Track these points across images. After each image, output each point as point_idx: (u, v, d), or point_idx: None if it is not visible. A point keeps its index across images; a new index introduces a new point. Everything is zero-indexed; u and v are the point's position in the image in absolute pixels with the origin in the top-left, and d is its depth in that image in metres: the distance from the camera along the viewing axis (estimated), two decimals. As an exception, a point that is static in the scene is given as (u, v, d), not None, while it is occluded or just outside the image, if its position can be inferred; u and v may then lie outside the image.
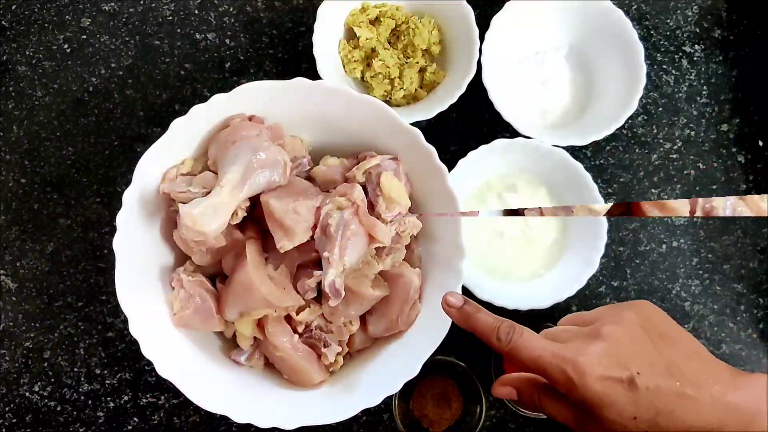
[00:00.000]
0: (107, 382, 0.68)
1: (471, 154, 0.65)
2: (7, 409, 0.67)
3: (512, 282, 0.68)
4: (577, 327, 0.48)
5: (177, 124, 0.56)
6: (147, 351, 0.55)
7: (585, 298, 0.69)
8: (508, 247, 0.68)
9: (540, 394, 0.48)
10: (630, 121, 0.71)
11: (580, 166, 0.66)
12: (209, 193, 0.56)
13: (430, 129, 0.71)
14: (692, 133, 0.73)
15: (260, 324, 0.59)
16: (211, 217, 0.54)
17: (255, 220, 0.60)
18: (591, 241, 0.66)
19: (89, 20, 0.73)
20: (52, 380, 0.68)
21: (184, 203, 0.55)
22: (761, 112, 0.73)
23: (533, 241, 0.68)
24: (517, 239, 0.68)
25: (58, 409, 0.67)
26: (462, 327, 0.51)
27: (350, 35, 0.71)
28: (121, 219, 0.56)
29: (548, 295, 0.65)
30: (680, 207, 0.43)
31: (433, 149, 0.58)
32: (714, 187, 0.72)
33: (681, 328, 0.47)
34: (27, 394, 0.68)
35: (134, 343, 0.66)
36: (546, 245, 0.68)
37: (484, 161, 0.66)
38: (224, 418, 0.57)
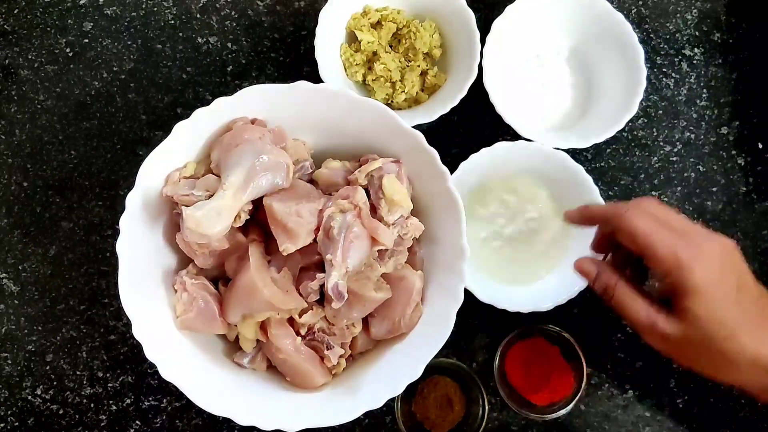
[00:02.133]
0: (109, 385, 0.68)
1: (472, 157, 0.66)
2: (9, 412, 0.67)
3: (513, 284, 0.68)
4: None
5: (180, 127, 0.57)
6: (150, 354, 0.55)
7: (586, 300, 0.70)
8: (508, 249, 0.68)
9: (618, 281, 0.51)
10: (630, 123, 0.71)
11: (581, 168, 0.66)
12: (212, 196, 0.56)
13: (431, 132, 0.71)
14: (692, 135, 0.73)
15: (263, 326, 0.59)
16: (214, 219, 0.54)
17: (258, 223, 0.60)
18: None
19: (91, 24, 0.73)
20: (55, 383, 0.68)
21: (187, 206, 0.55)
22: (761, 114, 0.74)
23: (533, 244, 0.68)
24: (518, 241, 0.68)
25: (61, 412, 0.67)
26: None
27: (352, 39, 0.71)
28: (124, 222, 0.56)
29: (549, 297, 0.66)
30: None
31: (435, 152, 0.58)
32: (714, 189, 0.73)
33: None
34: (29, 397, 0.68)
35: (136, 347, 0.66)
36: (546, 247, 0.68)
37: (485, 164, 0.66)
38: (227, 421, 0.57)
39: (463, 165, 0.65)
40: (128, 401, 0.68)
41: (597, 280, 0.54)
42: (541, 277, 0.68)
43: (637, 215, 0.49)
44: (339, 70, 0.70)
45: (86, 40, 0.73)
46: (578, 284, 0.65)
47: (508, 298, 0.65)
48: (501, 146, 0.66)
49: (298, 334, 0.59)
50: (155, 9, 0.74)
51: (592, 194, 0.66)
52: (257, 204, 0.58)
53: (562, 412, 0.65)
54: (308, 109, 0.60)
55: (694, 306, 0.47)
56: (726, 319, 0.47)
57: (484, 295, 0.64)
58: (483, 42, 0.67)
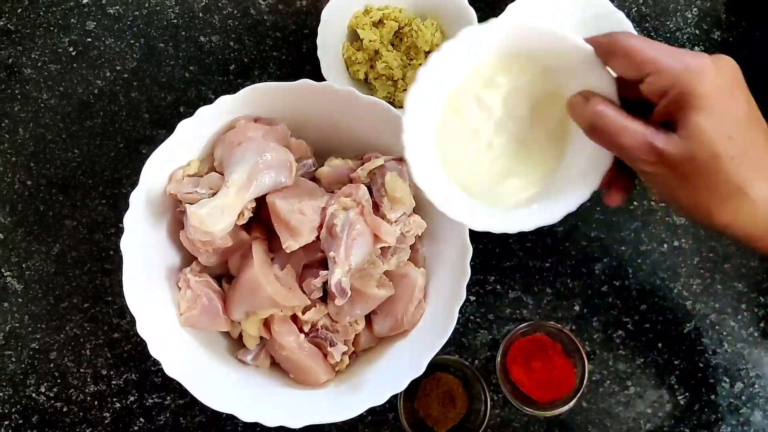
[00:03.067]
0: (113, 382, 0.68)
1: (433, 57, 0.48)
2: (13, 410, 0.68)
3: (510, 201, 0.53)
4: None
5: (183, 125, 0.57)
6: (154, 351, 0.56)
7: (588, 298, 0.70)
8: (502, 160, 0.52)
9: (608, 103, 0.45)
10: (631, 121, 0.71)
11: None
12: (216, 194, 0.56)
13: (433, 130, 0.71)
14: (693, 133, 0.74)
15: (266, 324, 0.59)
16: (218, 217, 0.55)
17: (261, 220, 0.60)
18: None
19: (94, 23, 0.74)
20: (59, 381, 0.68)
21: (191, 204, 0.56)
22: (761, 113, 0.74)
23: (531, 145, 0.52)
24: (512, 146, 0.52)
25: (65, 409, 0.68)
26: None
27: (354, 37, 0.71)
28: (128, 220, 0.56)
29: (557, 205, 0.50)
30: None
31: (437, 150, 0.58)
32: (714, 187, 0.73)
33: None
34: (33, 395, 0.68)
35: (140, 344, 0.67)
36: (545, 144, 0.52)
37: (452, 63, 0.49)
38: (230, 418, 0.57)
39: (421, 72, 0.48)
40: (132, 399, 0.68)
41: (585, 106, 0.45)
42: (543, 183, 0.52)
43: (632, 35, 0.44)
44: (341, 69, 0.70)
45: (89, 39, 0.73)
46: (589, 186, 0.50)
47: (506, 220, 0.51)
48: (468, 33, 0.48)
49: (301, 331, 0.60)
50: (158, 8, 0.74)
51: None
52: (260, 202, 0.59)
53: (564, 408, 0.65)
54: (311, 107, 0.60)
55: (701, 118, 0.41)
56: (736, 136, 0.41)
57: (474, 223, 0.51)
58: (484, 40, 0.68)
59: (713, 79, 0.41)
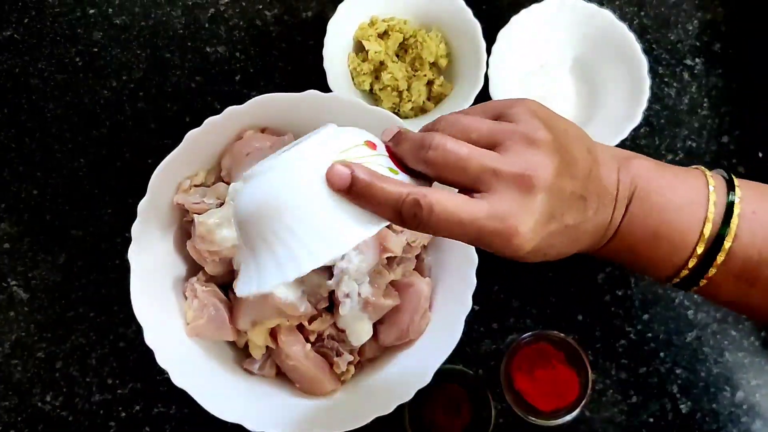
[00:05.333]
0: (119, 392, 0.68)
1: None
2: (19, 419, 0.68)
3: None
4: (487, 152, 0.38)
5: (191, 135, 0.58)
6: (161, 361, 0.56)
7: (590, 307, 0.70)
8: None
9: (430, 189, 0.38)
10: (633, 132, 0.72)
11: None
12: (223, 204, 0.57)
13: (437, 140, 0.72)
14: (694, 144, 0.74)
15: (273, 333, 0.59)
16: (225, 227, 0.55)
17: (268, 230, 0.61)
18: None
19: (101, 33, 0.74)
20: (64, 390, 0.68)
21: (198, 214, 0.56)
22: (760, 123, 0.75)
23: None
24: None
25: (70, 419, 0.68)
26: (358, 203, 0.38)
27: (359, 48, 0.72)
28: (135, 230, 0.57)
29: None
30: None
31: (442, 161, 0.59)
32: (716, 197, 0.73)
33: (567, 121, 0.42)
34: (39, 404, 0.68)
35: (146, 354, 0.66)
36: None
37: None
38: (236, 427, 0.57)
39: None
40: (137, 408, 0.68)
41: (403, 201, 0.37)
42: None
43: (439, 223, 0.37)
44: (346, 80, 0.71)
45: (96, 50, 0.74)
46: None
47: None
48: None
49: (307, 340, 0.60)
50: (164, 19, 0.74)
51: None
52: (268, 212, 0.59)
53: (568, 417, 0.65)
54: (317, 118, 0.60)
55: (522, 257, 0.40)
56: (553, 250, 0.41)
57: None
58: (489, 52, 0.69)
59: (527, 245, 0.39)
